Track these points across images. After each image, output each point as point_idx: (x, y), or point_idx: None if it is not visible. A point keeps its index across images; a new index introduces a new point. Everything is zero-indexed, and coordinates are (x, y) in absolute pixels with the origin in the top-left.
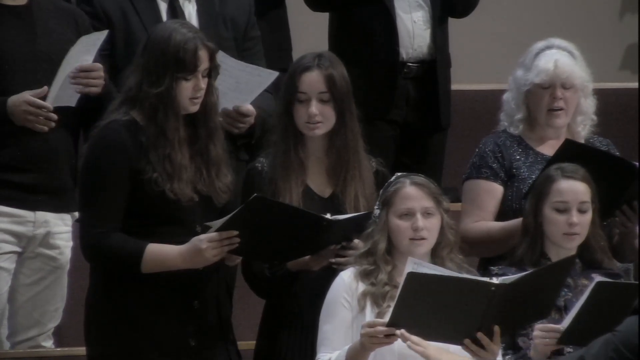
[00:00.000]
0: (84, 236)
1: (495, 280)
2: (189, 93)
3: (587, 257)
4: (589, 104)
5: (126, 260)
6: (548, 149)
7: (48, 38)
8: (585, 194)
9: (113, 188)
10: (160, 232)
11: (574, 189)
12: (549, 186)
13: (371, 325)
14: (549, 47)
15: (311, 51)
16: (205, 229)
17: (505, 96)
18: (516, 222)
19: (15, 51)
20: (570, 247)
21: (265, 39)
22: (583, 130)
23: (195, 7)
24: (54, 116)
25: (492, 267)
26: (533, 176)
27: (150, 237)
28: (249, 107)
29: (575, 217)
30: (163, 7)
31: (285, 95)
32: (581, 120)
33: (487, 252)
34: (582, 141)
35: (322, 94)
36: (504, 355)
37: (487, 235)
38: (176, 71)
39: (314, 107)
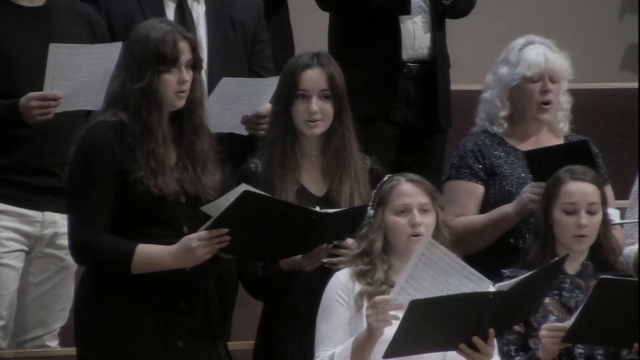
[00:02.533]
0: (74, 238)
1: (492, 289)
2: (174, 86)
3: (599, 259)
4: (566, 100)
5: (116, 261)
6: (529, 146)
7: (61, 42)
8: (594, 195)
9: (101, 189)
10: (147, 233)
11: (582, 190)
12: (557, 188)
13: (375, 304)
14: (531, 42)
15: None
16: (193, 229)
17: (487, 95)
18: (497, 209)
19: (28, 53)
20: (580, 249)
21: None
22: (565, 127)
23: (204, 9)
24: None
25: (503, 270)
26: (515, 174)
27: (138, 239)
28: (267, 107)
29: (584, 218)
30: (171, 8)
31: (284, 93)
32: (562, 117)
33: (471, 246)
34: (562, 139)
35: (323, 91)
36: (514, 356)
37: (470, 228)
38: (157, 64)
39: (315, 105)
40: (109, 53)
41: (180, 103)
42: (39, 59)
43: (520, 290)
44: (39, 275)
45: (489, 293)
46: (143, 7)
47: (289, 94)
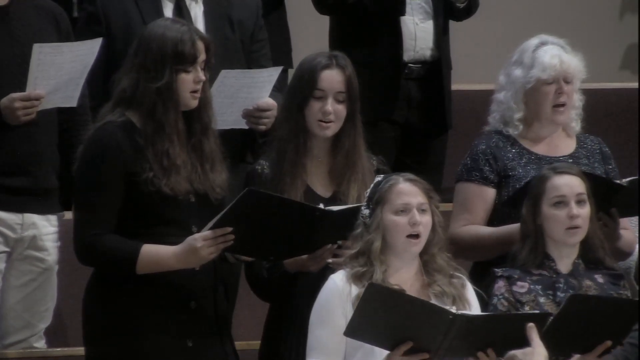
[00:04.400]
0: (79, 237)
1: (454, 310)
2: (190, 86)
3: (589, 256)
4: (579, 98)
5: (121, 261)
6: (542, 147)
7: (28, 39)
8: (580, 186)
9: (108, 190)
10: (156, 233)
11: (569, 182)
12: (543, 185)
13: None
14: (544, 43)
15: (312, 52)
16: (201, 229)
17: (501, 96)
18: (506, 228)
19: None
20: (574, 242)
21: None
22: (577, 126)
23: (202, 9)
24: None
25: (496, 269)
26: (528, 176)
27: (147, 239)
28: (267, 101)
29: (574, 209)
30: (169, 8)
31: (299, 91)
32: (574, 115)
33: (477, 257)
34: (574, 139)
35: (340, 93)
36: None
37: (476, 241)
38: (176, 64)
39: (330, 106)
40: (90, 49)
41: (195, 103)
42: (7, 58)
43: (487, 324)
44: (21, 277)
45: (449, 312)
46: (140, 8)
47: (304, 93)
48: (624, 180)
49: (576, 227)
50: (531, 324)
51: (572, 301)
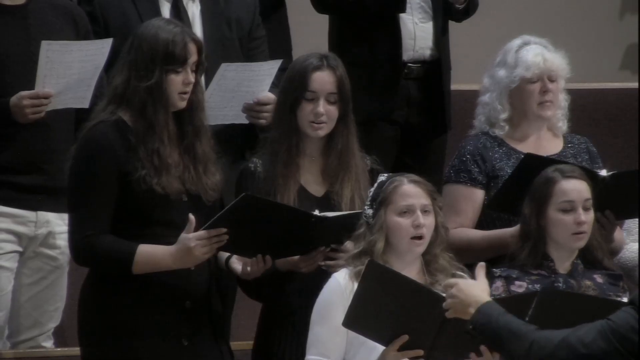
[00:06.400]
0: (74, 238)
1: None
2: (178, 87)
3: (588, 257)
4: (564, 98)
5: (117, 261)
6: (529, 147)
7: (44, 38)
8: (587, 192)
9: (102, 190)
10: (150, 233)
11: (577, 187)
12: (551, 188)
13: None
14: (527, 43)
15: (311, 52)
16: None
17: (486, 98)
18: (497, 232)
19: (11, 52)
20: (578, 247)
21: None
22: (564, 125)
23: (199, 8)
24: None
25: (494, 269)
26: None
27: (140, 239)
28: (267, 95)
29: (582, 215)
30: (166, 8)
31: (291, 92)
32: (560, 115)
33: (467, 260)
34: (561, 139)
35: (331, 94)
36: None
37: (467, 244)
38: (166, 64)
39: (322, 107)
40: (100, 49)
41: (182, 104)
42: (23, 56)
43: None
44: (32, 275)
45: (442, 297)
46: (138, 8)
47: (296, 94)
48: (604, 172)
49: (582, 233)
50: (482, 263)
51: (543, 296)
